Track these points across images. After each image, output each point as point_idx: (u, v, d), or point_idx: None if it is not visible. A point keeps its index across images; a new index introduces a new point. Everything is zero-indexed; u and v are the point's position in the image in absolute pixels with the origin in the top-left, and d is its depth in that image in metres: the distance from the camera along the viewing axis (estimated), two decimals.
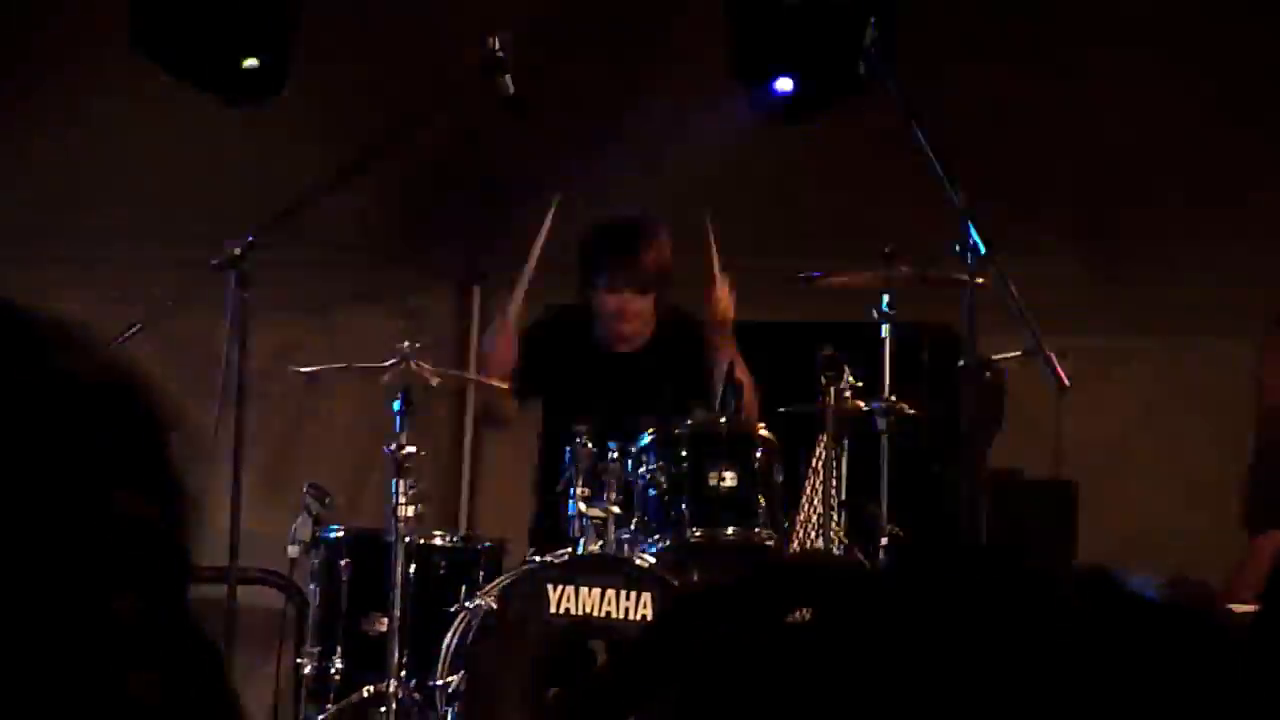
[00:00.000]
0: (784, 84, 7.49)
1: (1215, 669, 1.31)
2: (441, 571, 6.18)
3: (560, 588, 5.88)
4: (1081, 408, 6.51)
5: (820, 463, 5.99)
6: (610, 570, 5.92)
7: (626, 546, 5.99)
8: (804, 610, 1.51)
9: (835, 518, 5.98)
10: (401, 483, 5.95)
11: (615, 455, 6.01)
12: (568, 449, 6.02)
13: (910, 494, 6.18)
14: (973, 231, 5.59)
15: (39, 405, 1.11)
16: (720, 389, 6.35)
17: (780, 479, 6.17)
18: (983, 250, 5.59)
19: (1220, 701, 1.30)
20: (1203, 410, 7.56)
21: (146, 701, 1.10)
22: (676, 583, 5.86)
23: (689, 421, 6.15)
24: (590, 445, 5.99)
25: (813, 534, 6.00)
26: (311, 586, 6.28)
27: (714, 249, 6.50)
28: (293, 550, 6.17)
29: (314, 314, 8.04)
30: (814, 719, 1.34)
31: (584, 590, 5.87)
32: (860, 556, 6.00)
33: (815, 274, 6.25)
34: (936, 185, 5.65)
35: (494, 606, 5.88)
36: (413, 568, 6.02)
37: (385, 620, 5.94)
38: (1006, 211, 6.71)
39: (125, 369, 1.16)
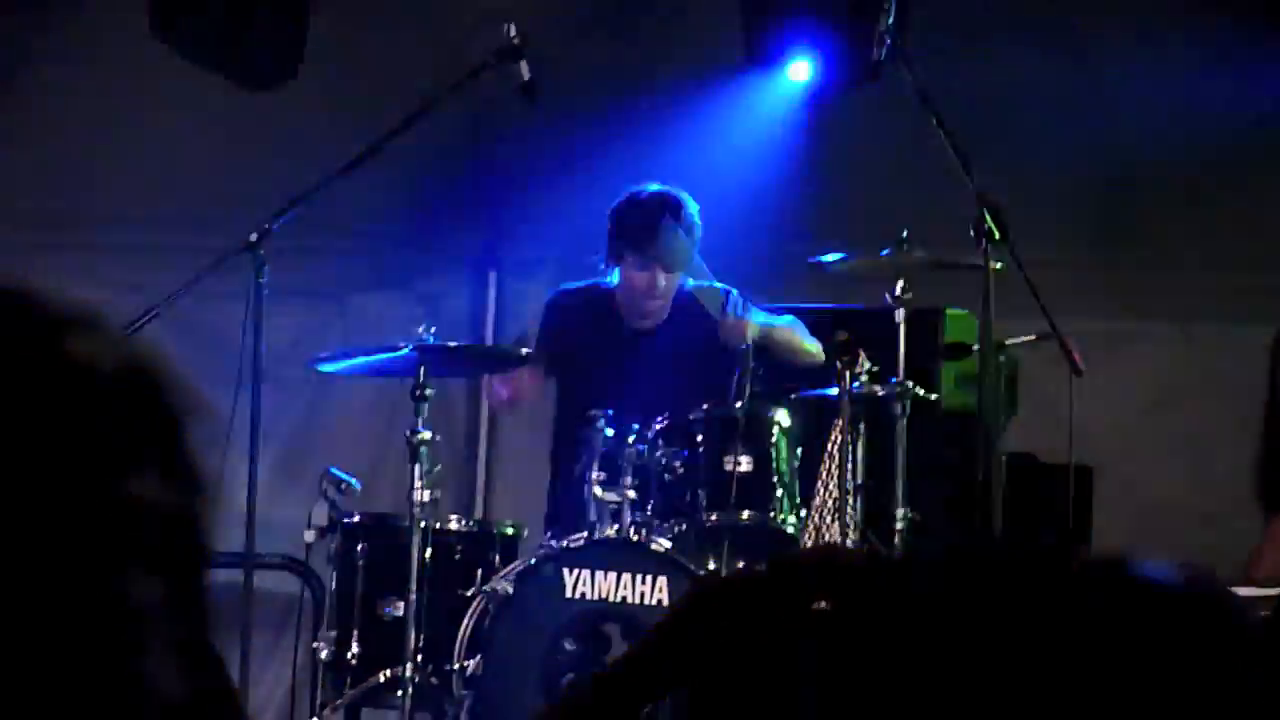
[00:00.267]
0: (799, 69, 7.48)
1: (1234, 655, 1.31)
2: (458, 556, 6.18)
3: (576, 572, 5.89)
4: (1096, 392, 6.50)
5: (836, 447, 5.99)
6: (626, 554, 5.93)
7: (643, 531, 5.99)
8: (823, 600, 1.51)
9: (851, 502, 5.98)
10: (418, 467, 5.95)
11: (632, 440, 6.02)
12: (584, 432, 6.03)
13: (925, 478, 6.18)
14: (987, 216, 5.58)
15: (58, 391, 1.11)
16: (736, 376, 6.34)
17: (796, 464, 6.18)
18: (997, 235, 5.58)
19: (1239, 688, 1.30)
20: (1218, 393, 7.54)
21: (165, 687, 1.11)
22: (692, 567, 5.87)
23: (704, 406, 6.15)
24: (606, 430, 5.99)
25: (828, 518, 6.00)
26: (329, 571, 6.29)
27: (714, 295, 6.51)
28: (309, 535, 6.18)
29: (330, 299, 8.05)
30: (831, 708, 1.34)
31: (600, 574, 5.88)
32: (875, 542, 6.01)
33: (831, 259, 6.25)
34: (951, 170, 5.64)
35: (510, 591, 5.89)
36: (429, 552, 6.03)
37: (402, 605, 5.95)
38: (1021, 196, 6.70)
39: (144, 354, 1.17)
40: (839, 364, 5.94)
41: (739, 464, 6.08)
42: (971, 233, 5.61)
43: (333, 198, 6.12)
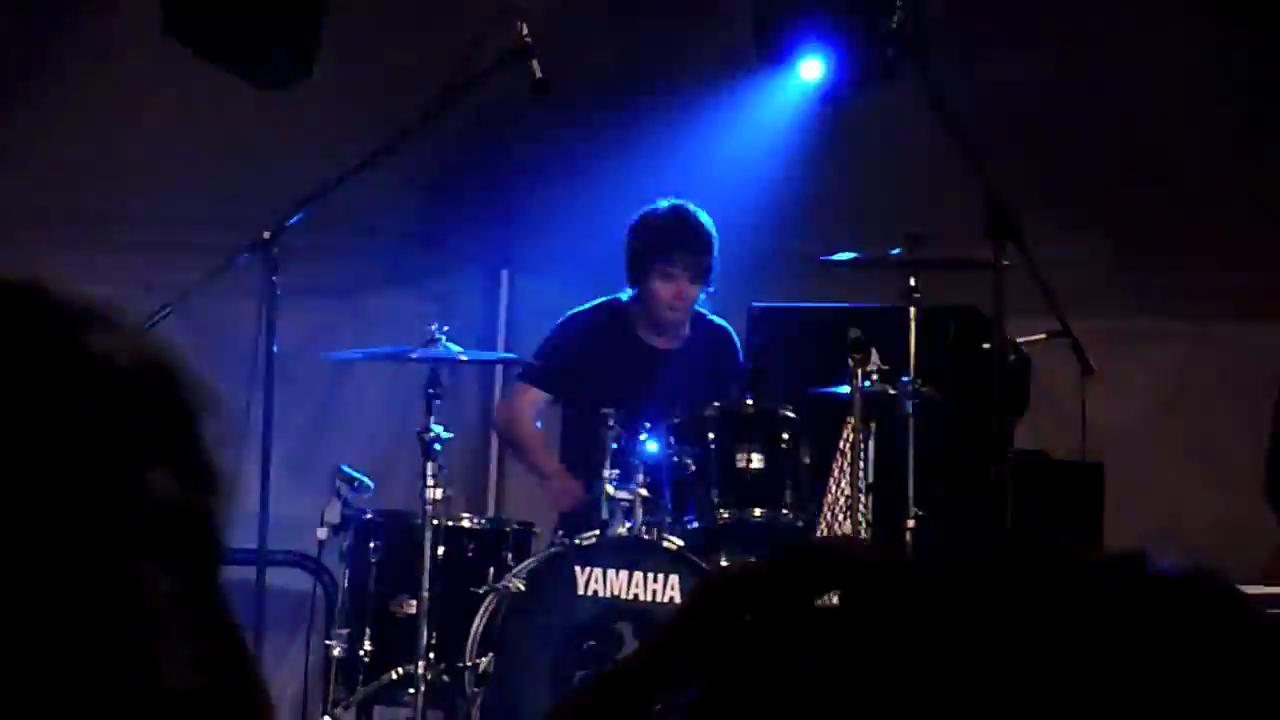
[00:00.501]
0: (811, 67, 7.48)
1: (1246, 650, 1.31)
2: (470, 554, 6.19)
3: (588, 570, 5.89)
4: (1107, 390, 6.50)
5: (847, 445, 5.99)
6: (638, 552, 5.93)
7: (655, 529, 6.00)
8: (831, 596, 1.52)
9: (862, 500, 5.98)
10: (430, 465, 5.96)
11: (644, 438, 6.02)
12: (597, 431, 6.03)
13: (936, 476, 6.18)
14: (999, 214, 5.58)
15: (74, 386, 1.12)
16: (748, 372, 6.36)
17: (808, 461, 6.18)
18: (1009, 233, 5.58)
19: (1251, 683, 1.30)
20: (1231, 392, 7.54)
21: (179, 682, 1.11)
22: (704, 564, 5.87)
23: (716, 404, 6.16)
24: (619, 428, 6.00)
25: (840, 516, 6.00)
26: (341, 569, 6.30)
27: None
28: (322, 533, 6.18)
29: (343, 298, 8.06)
30: (841, 704, 1.35)
31: (612, 572, 5.88)
32: (886, 539, 6.01)
33: (842, 257, 6.25)
34: (963, 168, 5.64)
35: (522, 588, 5.90)
36: (441, 550, 6.03)
37: (414, 602, 5.96)
38: (1033, 195, 6.70)
39: (161, 350, 1.17)
40: (851, 362, 5.94)
41: (751, 461, 6.08)
42: (983, 231, 5.61)
43: (346, 196, 6.14)
